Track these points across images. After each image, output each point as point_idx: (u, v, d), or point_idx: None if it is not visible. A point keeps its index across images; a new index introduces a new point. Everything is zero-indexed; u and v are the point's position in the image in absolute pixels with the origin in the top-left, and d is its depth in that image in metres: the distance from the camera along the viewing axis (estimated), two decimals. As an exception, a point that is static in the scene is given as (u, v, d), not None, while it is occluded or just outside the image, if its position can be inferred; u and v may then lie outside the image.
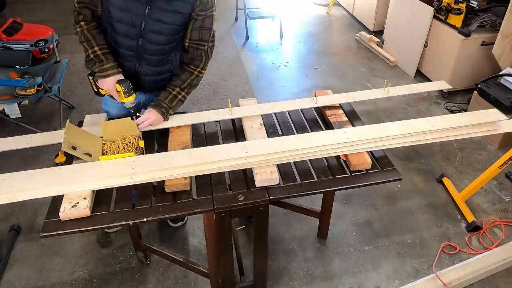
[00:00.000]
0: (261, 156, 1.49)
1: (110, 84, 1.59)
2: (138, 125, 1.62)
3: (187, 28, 1.63)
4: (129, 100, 1.60)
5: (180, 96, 1.71)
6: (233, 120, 1.83)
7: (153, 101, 1.69)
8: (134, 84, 1.65)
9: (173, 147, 1.60)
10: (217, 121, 1.82)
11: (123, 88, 1.56)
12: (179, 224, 2.32)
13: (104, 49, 1.61)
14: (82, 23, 1.58)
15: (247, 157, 1.48)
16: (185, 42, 1.68)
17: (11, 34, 3.94)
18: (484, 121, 1.74)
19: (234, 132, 1.77)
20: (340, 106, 1.91)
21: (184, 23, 1.60)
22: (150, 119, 1.65)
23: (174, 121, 1.73)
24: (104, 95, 1.67)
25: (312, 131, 1.77)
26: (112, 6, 1.52)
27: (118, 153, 1.52)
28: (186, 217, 2.35)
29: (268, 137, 1.67)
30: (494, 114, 1.79)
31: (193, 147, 1.64)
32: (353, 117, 1.86)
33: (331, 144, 1.56)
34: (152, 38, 1.59)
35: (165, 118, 1.69)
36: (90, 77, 1.66)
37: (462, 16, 3.23)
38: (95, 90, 1.68)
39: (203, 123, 1.80)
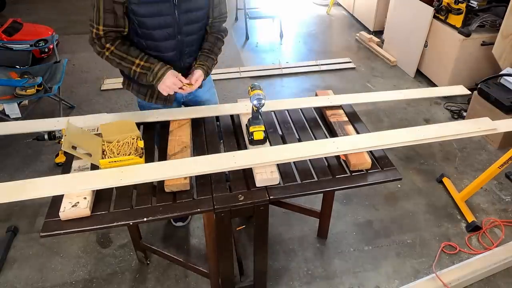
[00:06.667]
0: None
1: (170, 80, 1.57)
2: (188, 84, 1.62)
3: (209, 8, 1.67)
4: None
5: (215, 63, 1.80)
6: (232, 119, 1.83)
7: (197, 63, 1.70)
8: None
9: (173, 147, 1.60)
10: (217, 122, 1.83)
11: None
12: (178, 224, 2.33)
13: (143, 57, 1.58)
14: (108, 45, 1.54)
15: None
16: (209, 22, 1.72)
17: (11, 34, 3.94)
18: (476, 129, 1.73)
19: (234, 131, 1.77)
20: (340, 106, 1.91)
21: (207, 4, 1.64)
22: (200, 78, 1.66)
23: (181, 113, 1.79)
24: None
25: (312, 131, 1.77)
26: (143, 17, 1.51)
27: (118, 152, 1.53)
28: (189, 218, 2.35)
29: (268, 137, 1.67)
30: (485, 122, 1.77)
31: (193, 147, 1.65)
32: (353, 117, 1.86)
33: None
34: (188, 30, 1.62)
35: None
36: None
37: (462, 16, 3.23)
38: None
39: (203, 124, 1.80)
